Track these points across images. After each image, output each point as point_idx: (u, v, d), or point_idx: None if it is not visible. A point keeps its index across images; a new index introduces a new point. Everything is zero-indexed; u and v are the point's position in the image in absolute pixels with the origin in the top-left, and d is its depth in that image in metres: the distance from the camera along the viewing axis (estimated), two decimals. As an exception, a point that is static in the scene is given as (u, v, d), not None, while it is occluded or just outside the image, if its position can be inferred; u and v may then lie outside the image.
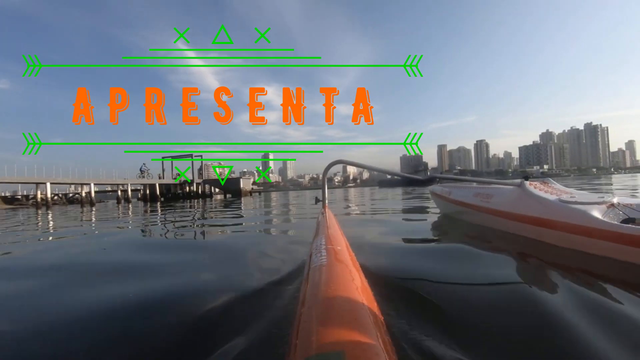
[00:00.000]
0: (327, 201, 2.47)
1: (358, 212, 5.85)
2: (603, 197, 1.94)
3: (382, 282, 1.34)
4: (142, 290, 1.47)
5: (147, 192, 30.93)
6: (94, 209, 14.44)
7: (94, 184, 25.35)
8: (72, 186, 30.64)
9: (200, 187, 34.95)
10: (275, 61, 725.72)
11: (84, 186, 26.33)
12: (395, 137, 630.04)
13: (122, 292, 1.45)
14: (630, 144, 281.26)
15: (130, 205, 16.60)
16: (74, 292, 1.59)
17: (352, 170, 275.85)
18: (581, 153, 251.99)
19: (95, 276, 1.90)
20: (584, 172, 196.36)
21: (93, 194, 24.68)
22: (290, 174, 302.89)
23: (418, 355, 0.81)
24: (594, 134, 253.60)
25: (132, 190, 33.93)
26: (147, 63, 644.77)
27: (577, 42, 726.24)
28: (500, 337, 0.94)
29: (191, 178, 34.17)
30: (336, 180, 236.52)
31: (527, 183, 2.37)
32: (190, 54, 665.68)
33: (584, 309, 1.06)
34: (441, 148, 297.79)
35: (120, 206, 16.69)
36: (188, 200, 21.90)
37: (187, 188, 33.97)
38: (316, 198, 2.76)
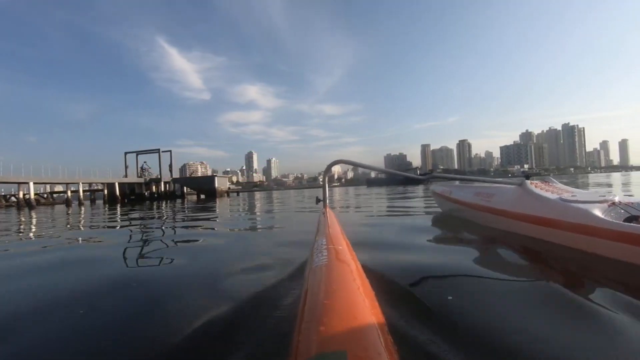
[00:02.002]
0: (327, 201, 2.43)
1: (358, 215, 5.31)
2: (604, 196, 1.92)
3: (383, 281, 1.36)
4: (146, 295, 1.51)
5: (106, 192, 27.34)
6: (33, 213, 11.66)
7: (34, 183, 21.43)
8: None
9: (168, 186, 31.37)
10: (260, 60, 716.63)
11: (22, 185, 22.30)
12: (379, 137, 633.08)
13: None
14: (604, 144, 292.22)
15: (82, 209, 14.14)
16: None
17: (336, 169, 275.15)
18: (559, 153, 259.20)
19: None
20: (562, 171, 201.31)
21: (32, 195, 20.83)
22: (274, 173, 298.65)
23: (419, 355, 0.83)
24: (571, 134, 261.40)
25: (95, 190, 30.32)
26: (129, 60, 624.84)
27: (558, 49, 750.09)
28: (504, 338, 0.92)
29: (158, 175, 30.54)
30: (321, 179, 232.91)
31: (528, 182, 2.37)
32: (174, 51, 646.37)
33: (587, 309, 1.08)
34: (425, 148, 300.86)
35: (70, 209, 13.94)
36: (156, 202, 19.66)
37: (154, 187, 30.30)
38: (317, 198, 2.69)
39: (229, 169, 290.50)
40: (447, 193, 3.53)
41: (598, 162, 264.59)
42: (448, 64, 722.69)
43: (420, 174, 2.91)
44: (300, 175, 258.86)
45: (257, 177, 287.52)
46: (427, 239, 2.53)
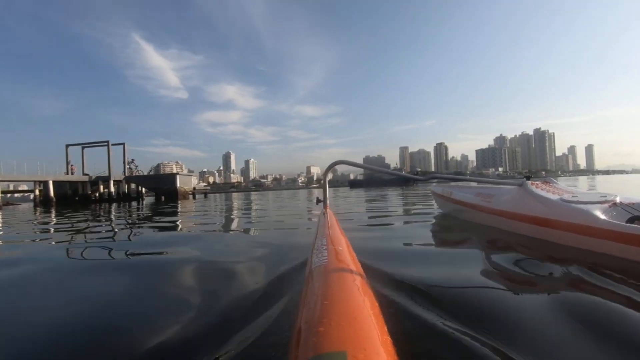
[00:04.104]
0: (328, 201, 2.35)
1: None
2: (605, 197, 1.93)
3: (383, 282, 1.35)
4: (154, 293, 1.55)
5: (37, 193, 22.98)
6: None
7: None
8: None
9: (120, 186, 27.13)
10: (239, 60, 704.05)
11: None
12: (358, 139, 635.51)
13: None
14: (572, 149, 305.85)
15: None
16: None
17: (315, 171, 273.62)
18: (530, 156, 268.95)
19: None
20: (535, 174, 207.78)
21: None
22: (252, 174, 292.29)
23: (419, 356, 0.82)
24: (542, 139, 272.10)
25: (24, 192, 25.88)
26: (102, 55, 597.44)
27: (526, 54, 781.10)
28: (503, 337, 0.92)
29: (107, 173, 26.16)
30: (300, 181, 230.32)
31: (529, 183, 2.38)
32: (149, 48, 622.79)
33: (585, 309, 1.09)
34: (403, 150, 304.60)
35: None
36: (105, 205, 16.39)
37: (102, 188, 25.92)
38: (317, 198, 2.59)
39: (205, 170, 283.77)
40: (448, 194, 3.55)
41: (567, 166, 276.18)
42: (425, 68, 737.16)
43: (417, 174, 2.88)
44: (278, 176, 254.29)
45: (235, 177, 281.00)
46: (428, 240, 2.67)
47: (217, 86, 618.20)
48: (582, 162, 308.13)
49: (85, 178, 26.48)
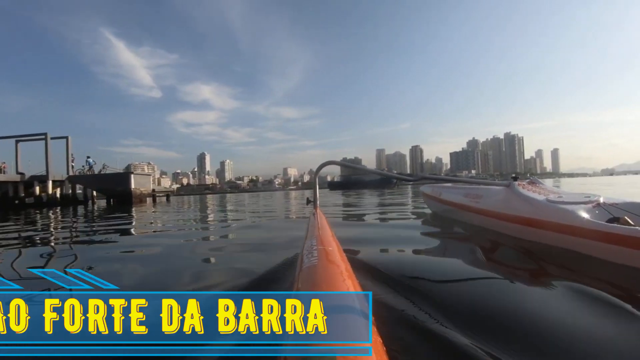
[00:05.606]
0: (318, 202, 2.39)
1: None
2: (589, 197, 1.98)
3: (372, 282, 1.38)
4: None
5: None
6: None
7: None
8: None
9: (64, 187, 23.47)
10: (215, 60, 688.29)
11: None
12: (334, 141, 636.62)
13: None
14: (539, 153, 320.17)
15: None
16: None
17: (293, 172, 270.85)
18: (501, 159, 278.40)
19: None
20: (505, 177, 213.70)
21: None
22: (228, 175, 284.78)
23: (407, 356, 0.83)
24: (512, 142, 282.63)
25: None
26: (68, 51, 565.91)
27: (500, 61, 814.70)
28: (491, 336, 0.94)
29: (45, 172, 22.37)
30: (277, 182, 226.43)
31: (515, 183, 2.41)
32: (120, 45, 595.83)
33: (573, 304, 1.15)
34: (380, 152, 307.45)
35: None
36: (42, 211, 13.51)
37: (38, 190, 22.14)
38: (307, 199, 2.69)
39: (179, 171, 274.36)
40: (437, 194, 3.67)
41: (535, 169, 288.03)
42: (401, 71, 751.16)
43: (412, 178, 2.86)
44: (255, 178, 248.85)
45: (210, 179, 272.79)
46: (416, 240, 2.68)
47: (193, 86, 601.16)
48: (548, 165, 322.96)
49: (18, 178, 22.51)
